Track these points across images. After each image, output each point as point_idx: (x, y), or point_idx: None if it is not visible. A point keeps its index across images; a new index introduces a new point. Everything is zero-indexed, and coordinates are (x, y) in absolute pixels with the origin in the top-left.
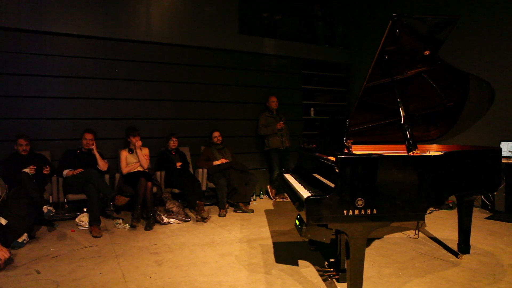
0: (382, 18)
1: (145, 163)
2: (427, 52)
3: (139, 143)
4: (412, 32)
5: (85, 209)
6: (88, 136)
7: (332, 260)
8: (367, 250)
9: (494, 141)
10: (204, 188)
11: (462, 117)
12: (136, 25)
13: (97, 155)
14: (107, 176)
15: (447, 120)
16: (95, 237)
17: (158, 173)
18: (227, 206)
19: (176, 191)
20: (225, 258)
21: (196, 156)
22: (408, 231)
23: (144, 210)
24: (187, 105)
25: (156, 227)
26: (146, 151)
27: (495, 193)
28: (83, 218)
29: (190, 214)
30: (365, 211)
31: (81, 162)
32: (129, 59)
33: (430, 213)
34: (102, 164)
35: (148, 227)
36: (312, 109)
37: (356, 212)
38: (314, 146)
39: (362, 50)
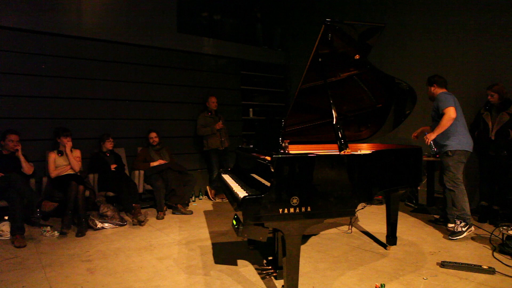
0: (317, 22)
1: (77, 165)
2: (357, 56)
3: (70, 144)
4: (343, 37)
5: (6, 217)
6: (13, 137)
7: (270, 258)
8: (304, 246)
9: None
10: (141, 190)
11: (389, 118)
12: (66, 18)
13: (22, 158)
14: (32, 181)
15: (376, 121)
16: (18, 247)
17: (91, 176)
18: (165, 208)
19: (111, 194)
20: (163, 262)
21: (133, 157)
22: (342, 227)
23: (75, 216)
24: (123, 105)
25: (89, 233)
26: (77, 153)
27: (418, 188)
28: (4, 227)
29: (126, 218)
30: (300, 209)
31: (2, 166)
32: (58, 54)
33: (362, 208)
34: (27, 168)
35: (80, 234)
36: (251, 109)
37: (291, 210)
38: (252, 146)
39: (300, 52)
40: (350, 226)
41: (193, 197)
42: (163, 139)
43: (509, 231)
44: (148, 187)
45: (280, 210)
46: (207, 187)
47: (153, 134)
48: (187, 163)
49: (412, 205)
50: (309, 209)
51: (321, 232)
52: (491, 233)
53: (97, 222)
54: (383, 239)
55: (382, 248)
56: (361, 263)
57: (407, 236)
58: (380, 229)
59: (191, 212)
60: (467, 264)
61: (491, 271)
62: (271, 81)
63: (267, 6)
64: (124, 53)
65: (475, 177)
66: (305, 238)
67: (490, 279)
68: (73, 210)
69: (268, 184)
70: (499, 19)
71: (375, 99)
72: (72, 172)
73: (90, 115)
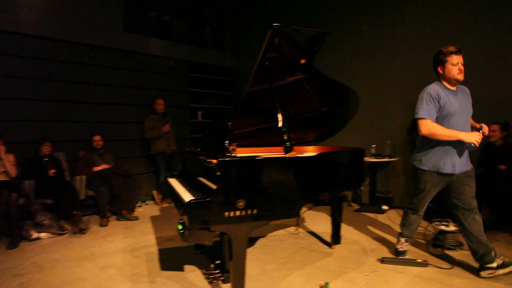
0: (265, 26)
1: (13, 171)
2: (303, 61)
3: (3, 148)
4: (290, 41)
5: None
6: None
7: (218, 262)
8: (252, 248)
9: (367, 142)
10: (82, 196)
11: (335, 121)
12: (1, 12)
13: None
14: None
15: (322, 124)
16: None
17: (26, 182)
18: (109, 214)
19: (49, 201)
20: (106, 271)
21: (74, 162)
22: (289, 228)
23: (6, 226)
24: (64, 106)
25: (23, 244)
26: (10, 158)
27: (361, 188)
28: None
29: (66, 226)
30: (246, 212)
31: None
32: None
33: (309, 209)
34: None
35: (12, 245)
36: (199, 112)
37: (237, 213)
38: (199, 149)
39: (249, 55)
40: (297, 227)
41: (139, 202)
42: (107, 143)
43: (440, 226)
44: (91, 193)
45: (226, 213)
46: (154, 192)
47: (97, 138)
48: (133, 167)
49: (357, 204)
50: (255, 211)
51: (268, 234)
52: (425, 229)
53: (32, 232)
54: (328, 238)
55: (327, 247)
56: (307, 263)
57: (351, 235)
58: (325, 229)
59: (136, 218)
60: (404, 258)
61: (424, 264)
62: (220, 84)
63: (217, 9)
64: (65, 51)
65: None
66: (252, 240)
67: (424, 271)
68: (4, 220)
69: (214, 187)
70: (437, 27)
71: (321, 103)
72: (3, 179)
73: (26, 117)
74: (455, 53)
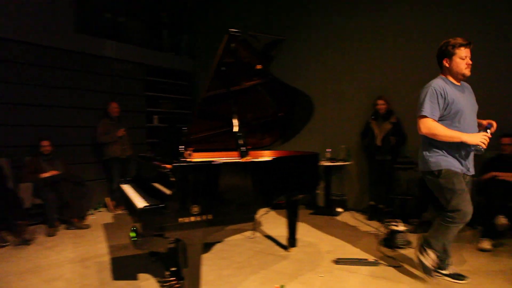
0: (223, 30)
1: None
2: (259, 66)
3: None
4: (247, 47)
5: None
6: None
7: (173, 269)
8: (209, 254)
9: (322, 146)
10: (28, 205)
11: (291, 126)
12: None
13: None
14: None
15: (279, 128)
16: None
17: None
18: (57, 223)
19: None
20: (52, 284)
21: (19, 168)
22: (246, 232)
23: None
24: (6, 109)
25: None
26: None
27: (317, 192)
28: None
29: (9, 237)
30: (201, 217)
31: None
32: None
33: (266, 213)
34: None
35: None
36: (156, 116)
37: (192, 219)
38: (154, 154)
39: (207, 60)
40: (253, 231)
41: (91, 210)
42: (57, 148)
43: (390, 227)
44: (38, 201)
45: (181, 219)
46: (107, 199)
47: (45, 143)
48: (85, 173)
49: (312, 208)
50: (210, 217)
51: (225, 239)
52: (377, 229)
53: None
54: (285, 241)
55: (284, 250)
56: (263, 266)
57: (306, 238)
58: (282, 232)
59: (88, 226)
60: (357, 258)
61: (375, 263)
62: (177, 88)
63: (175, 12)
64: (11, 51)
65: (365, 180)
66: (208, 246)
67: (375, 270)
68: None
69: (169, 193)
70: (388, 37)
71: (277, 108)
72: None
73: None
74: (465, 45)
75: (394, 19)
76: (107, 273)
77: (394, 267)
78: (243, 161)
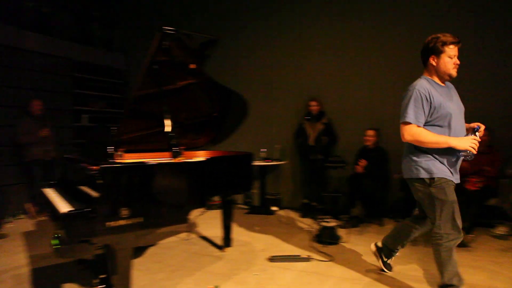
0: (157, 27)
1: None
2: (193, 66)
3: None
4: (180, 45)
5: None
6: None
7: (102, 276)
8: (141, 258)
9: (257, 146)
10: None
11: (226, 126)
12: None
13: None
14: None
15: (213, 129)
16: None
17: None
18: None
19: None
20: None
21: None
22: (181, 234)
23: None
24: None
25: None
26: None
27: (253, 191)
28: None
29: None
30: (131, 221)
31: None
32: None
33: (202, 214)
34: None
35: None
36: (84, 115)
37: (121, 222)
38: (80, 155)
39: (140, 57)
40: (188, 232)
41: (9, 218)
42: None
43: (322, 223)
44: None
45: (109, 223)
46: (27, 205)
47: None
48: (3, 177)
49: (248, 207)
50: (141, 219)
51: (159, 242)
52: (310, 226)
53: None
54: (220, 242)
55: (219, 250)
56: (198, 268)
57: (242, 237)
58: (217, 232)
59: (4, 236)
60: (290, 255)
61: (308, 259)
62: (109, 86)
63: (106, 5)
64: None
65: (299, 178)
66: (141, 250)
67: (308, 266)
68: None
69: (96, 196)
70: (320, 39)
71: (212, 108)
72: None
73: None
74: (455, 43)
75: (324, 21)
76: (26, 286)
77: (326, 261)
78: (176, 161)
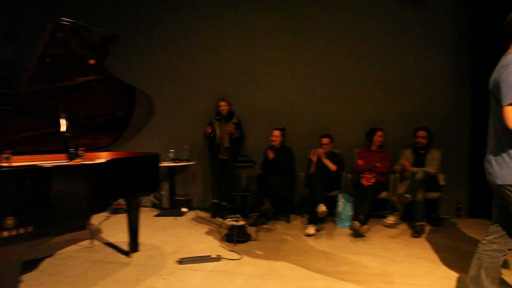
0: (55, 13)
1: None
2: (92, 61)
3: None
4: (79, 38)
5: None
6: None
7: None
8: (34, 272)
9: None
10: None
11: (130, 125)
12: None
13: None
14: None
15: (118, 128)
16: None
17: None
18: None
19: None
20: None
21: None
22: (83, 242)
23: None
24: None
25: None
26: None
27: (162, 193)
28: None
29: None
30: (17, 231)
31: None
32: None
33: (106, 219)
34: None
35: None
36: None
37: (5, 234)
38: None
39: (32, 47)
40: (91, 240)
41: None
42: None
43: (231, 222)
44: None
45: None
46: None
47: None
48: None
49: (157, 209)
50: (30, 229)
51: (57, 252)
52: (220, 226)
53: None
54: (126, 247)
55: (125, 256)
56: (103, 276)
57: (150, 241)
58: (124, 237)
59: None
60: (200, 256)
61: (218, 258)
62: None
63: None
64: None
65: (209, 178)
66: (35, 262)
67: (218, 265)
68: None
69: None
70: (229, 39)
71: (116, 107)
72: None
73: None
74: None
75: (234, 20)
76: None
77: (236, 260)
78: (71, 164)
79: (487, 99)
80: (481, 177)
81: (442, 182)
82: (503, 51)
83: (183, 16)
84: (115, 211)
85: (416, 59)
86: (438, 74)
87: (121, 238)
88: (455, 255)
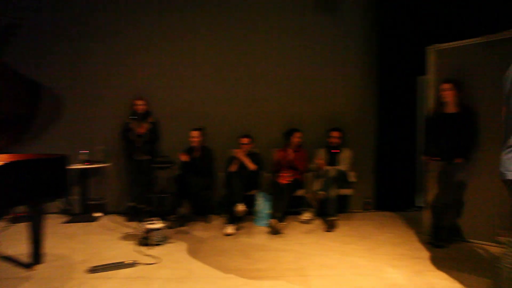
0: None
1: None
2: None
3: None
4: None
5: None
6: None
7: None
8: None
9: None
10: None
11: (37, 126)
12: None
13: None
14: None
15: (19, 129)
16: None
17: None
18: None
19: None
20: None
21: None
22: None
23: None
24: None
25: None
26: None
27: (73, 198)
28: None
29: None
30: None
31: None
32: None
33: (5, 229)
34: None
35: None
36: None
37: None
38: None
39: None
40: None
41: None
42: None
43: (148, 225)
44: None
45: None
46: None
47: None
48: None
49: (68, 216)
50: None
51: None
52: (136, 230)
53: None
54: (28, 259)
55: (27, 270)
56: None
57: (57, 250)
58: (26, 248)
59: None
60: (113, 263)
61: (132, 264)
62: None
63: None
64: None
65: (125, 180)
66: None
67: (133, 272)
68: None
69: None
70: (146, 38)
71: (16, 106)
72: None
73: None
74: None
75: (150, 19)
76: None
77: (152, 264)
78: None
79: (391, 101)
80: (386, 173)
81: (352, 179)
82: (406, 57)
83: (99, 16)
84: (15, 220)
85: (328, 63)
86: (348, 78)
87: (22, 249)
88: (363, 245)
